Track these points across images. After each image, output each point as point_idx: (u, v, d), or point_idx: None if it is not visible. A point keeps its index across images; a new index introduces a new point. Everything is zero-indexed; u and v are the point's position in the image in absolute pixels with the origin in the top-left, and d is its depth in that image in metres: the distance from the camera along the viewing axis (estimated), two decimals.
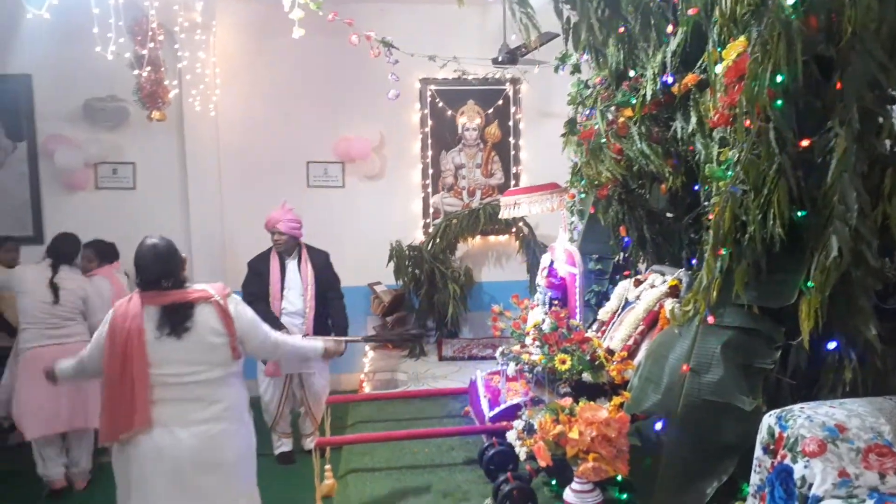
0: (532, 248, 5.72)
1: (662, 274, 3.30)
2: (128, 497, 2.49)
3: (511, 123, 5.96)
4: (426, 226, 5.93)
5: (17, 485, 4.05)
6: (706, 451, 2.39)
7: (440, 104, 5.86)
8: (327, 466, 3.48)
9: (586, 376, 2.88)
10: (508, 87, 5.91)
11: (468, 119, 5.93)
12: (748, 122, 2.26)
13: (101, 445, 2.74)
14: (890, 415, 1.97)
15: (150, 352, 2.43)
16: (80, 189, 5.45)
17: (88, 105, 5.37)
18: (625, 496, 2.82)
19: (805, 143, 2.22)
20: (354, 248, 5.56)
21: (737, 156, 2.33)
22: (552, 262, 3.92)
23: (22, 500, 3.93)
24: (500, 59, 4.92)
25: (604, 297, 3.87)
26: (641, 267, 3.83)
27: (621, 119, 3.23)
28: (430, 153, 5.90)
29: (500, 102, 5.92)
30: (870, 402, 2.04)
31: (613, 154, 3.29)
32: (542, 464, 2.55)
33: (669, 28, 2.95)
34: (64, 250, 4.02)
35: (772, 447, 2.04)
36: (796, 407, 2.05)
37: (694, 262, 3.21)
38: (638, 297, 3.29)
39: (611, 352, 3.07)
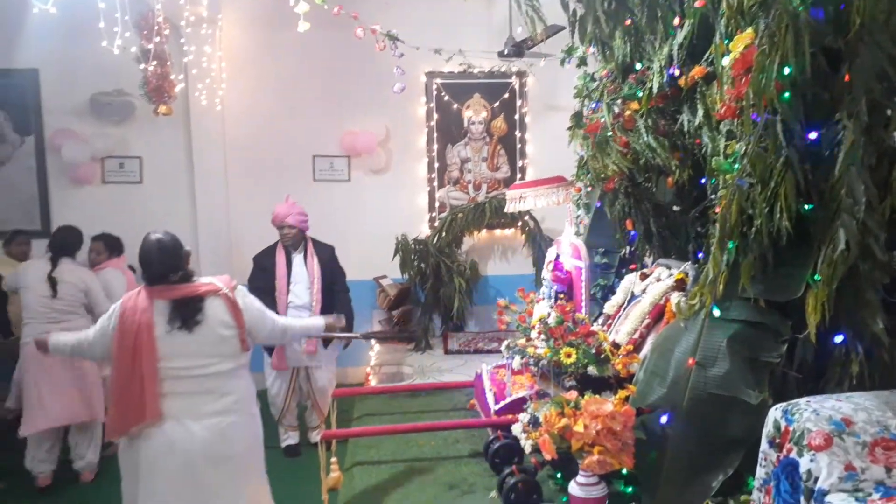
0: (538, 241, 5.71)
1: (668, 267, 3.29)
2: (134, 490, 2.49)
3: (517, 117, 5.94)
4: (432, 220, 5.93)
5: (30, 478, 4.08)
6: (712, 445, 2.39)
7: (446, 98, 5.85)
8: (333, 459, 3.50)
9: (592, 370, 2.88)
10: (514, 81, 5.89)
11: (474, 112, 5.91)
12: (755, 114, 2.24)
13: (108, 440, 2.75)
14: None
15: (160, 346, 2.44)
16: (88, 183, 5.47)
17: (95, 99, 5.38)
18: (630, 489, 2.83)
19: (813, 135, 2.21)
20: (360, 242, 5.56)
21: (744, 148, 2.32)
22: (558, 256, 3.91)
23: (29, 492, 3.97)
24: (506, 52, 4.90)
25: (610, 291, 3.87)
26: (648, 260, 3.82)
27: (628, 112, 3.22)
28: (435, 147, 5.89)
29: (506, 96, 5.90)
30: (876, 396, 2.03)
31: (620, 147, 3.28)
32: (548, 457, 2.55)
33: (676, 20, 2.93)
34: (64, 243, 3.99)
35: (778, 441, 2.03)
36: (802, 400, 2.05)
37: (701, 255, 3.20)
38: (644, 291, 3.28)
39: (616, 345, 3.07)
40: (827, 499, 1.82)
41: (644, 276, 3.38)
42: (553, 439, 2.49)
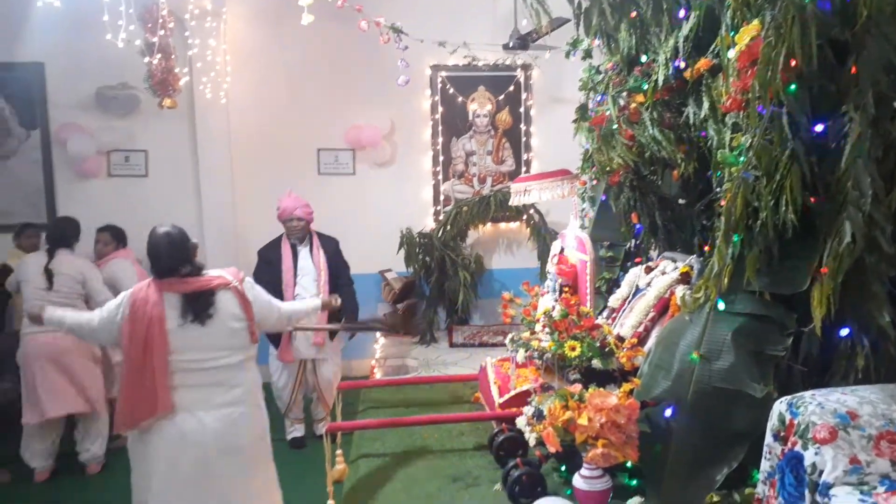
0: (543, 235, 5.71)
1: (674, 260, 3.29)
2: (147, 483, 2.51)
3: (522, 110, 5.93)
4: (437, 213, 5.93)
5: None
6: (716, 438, 2.39)
7: (451, 91, 5.83)
8: (338, 451, 3.51)
9: (596, 363, 2.88)
10: (519, 73, 5.87)
11: (479, 105, 5.90)
12: (761, 106, 2.23)
13: (117, 433, 2.76)
14: None
15: (172, 339, 2.46)
16: (93, 176, 5.49)
17: (100, 93, 5.40)
18: (634, 482, 2.83)
19: (819, 128, 2.20)
20: (365, 235, 5.57)
21: (749, 141, 2.31)
22: (563, 249, 3.91)
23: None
24: (511, 44, 4.89)
25: (615, 285, 3.86)
26: (653, 254, 3.82)
27: (633, 105, 3.21)
28: (440, 140, 5.88)
29: (511, 89, 5.89)
30: (882, 389, 2.03)
31: (625, 140, 3.27)
32: (552, 450, 2.56)
33: (682, 12, 2.91)
34: (61, 235, 4.00)
35: (782, 434, 2.03)
36: (807, 393, 2.05)
37: (706, 248, 3.19)
38: (649, 284, 3.28)
39: (621, 338, 3.07)
40: (831, 492, 1.82)
41: (649, 270, 3.37)
42: (557, 432, 2.49)
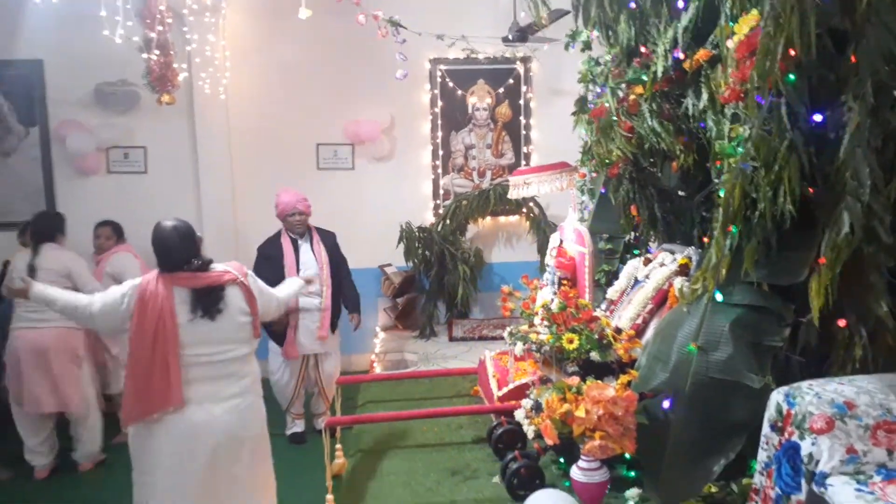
0: (542, 228, 5.70)
1: (672, 252, 3.28)
2: (151, 477, 2.49)
3: (522, 103, 5.91)
4: (436, 207, 5.92)
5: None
6: (714, 429, 2.39)
7: (450, 84, 5.82)
8: (338, 446, 3.53)
9: (594, 355, 2.88)
10: (519, 66, 5.84)
11: (478, 99, 5.88)
12: (760, 97, 2.22)
13: (124, 427, 2.75)
14: None
15: (182, 334, 2.46)
16: (93, 173, 5.48)
17: (99, 89, 5.39)
18: (633, 474, 2.84)
19: (818, 118, 2.18)
20: (364, 229, 5.57)
21: (748, 132, 2.30)
22: (561, 242, 3.90)
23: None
24: (510, 37, 4.87)
25: (614, 277, 3.85)
26: (653, 246, 3.81)
27: (632, 96, 3.19)
28: (440, 134, 5.86)
29: (511, 81, 5.86)
30: (879, 379, 2.02)
31: (624, 132, 3.26)
32: (550, 442, 2.56)
33: (681, 3, 2.90)
34: (43, 230, 3.97)
35: (779, 424, 2.03)
36: (804, 384, 2.04)
37: (705, 240, 3.19)
38: (647, 276, 3.27)
39: (619, 330, 3.07)
40: (828, 481, 1.82)
41: (648, 261, 3.37)
42: (555, 424, 2.49)
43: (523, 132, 5.94)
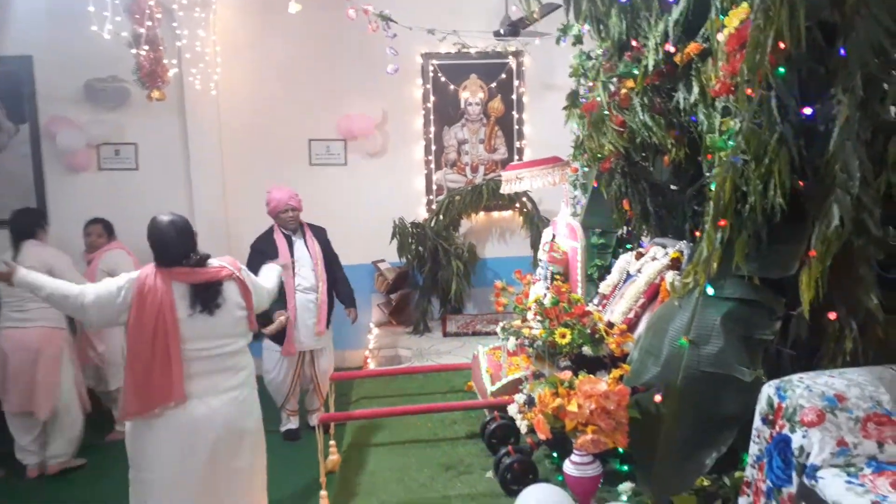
0: (536, 223, 5.70)
1: (664, 246, 3.28)
2: (149, 473, 2.48)
3: (514, 97, 5.89)
4: (429, 202, 5.91)
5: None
6: (706, 423, 2.39)
7: (442, 79, 5.80)
8: (332, 442, 3.52)
9: (586, 350, 2.88)
10: (511, 61, 5.83)
11: (471, 94, 5.86)
12: (750, 90, 2.22)
13: (122, 420, 2.75)
14: (890, 384, 1.96)
15: (182, 328, 2.46)
16: (83, 170, 5.45)
17: (89, 86, 5.35)
18: (625, 468, 2.84)
19: (807, 111, 2.18)
20: (357, 225, 5.55)
21: (738, 125, 2.30)
22: (554, 237, 3.90)
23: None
24: (501, 31, 4.85)
25: (607, 272, 3.85)
26: (645, 240, 3.81)
27: (623, 90, 3.19)
28: (432, 129, 5.85)
29: (503, 76, 5.85)
30: (870, 372, 2.03)
31: (616, 126, 3.26)
32: (543, 437, 2.56)
33: None
34: (22, 227, 3.93)
35: (771, 417, 2.03)
36: (795, 377, 2.05)
37: (697, 233, 3.19)
38: (639, 270, 3.27)
39: (611, 325, 3.07)
40: (819, 474, 1.82)
41: (639, 256, 3.37)
42: (547, 419, 2.49)
43: (516, 127, 5.94)
